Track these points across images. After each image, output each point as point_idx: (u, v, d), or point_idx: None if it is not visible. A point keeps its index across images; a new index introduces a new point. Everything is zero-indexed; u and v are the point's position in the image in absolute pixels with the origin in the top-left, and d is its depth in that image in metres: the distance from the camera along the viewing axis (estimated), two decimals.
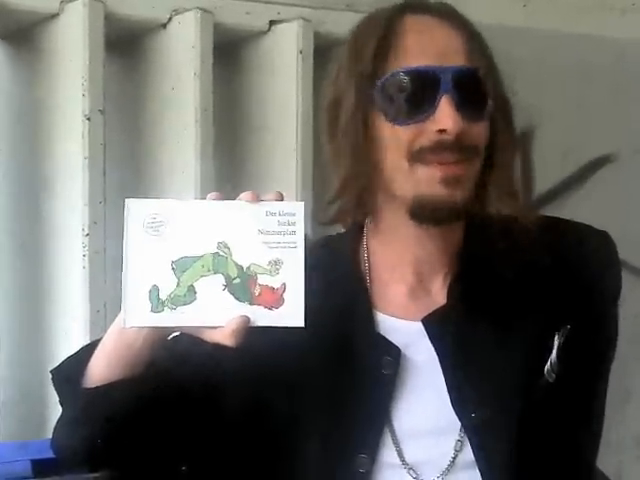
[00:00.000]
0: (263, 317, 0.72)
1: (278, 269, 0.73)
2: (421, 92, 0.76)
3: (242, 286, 0.72)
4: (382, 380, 0.79)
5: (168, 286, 0.73)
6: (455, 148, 0.77)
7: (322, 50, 1.62)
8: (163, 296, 0.73)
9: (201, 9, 1.49)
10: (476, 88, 0.77)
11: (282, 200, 0.75)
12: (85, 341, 1.40)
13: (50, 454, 0.84)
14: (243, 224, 0.74)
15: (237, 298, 0.73)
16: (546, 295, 0.81)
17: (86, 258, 1.41)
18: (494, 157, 0.80)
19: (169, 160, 1.52)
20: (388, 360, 0.79)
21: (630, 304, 1.46)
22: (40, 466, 0.88)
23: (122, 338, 0.78)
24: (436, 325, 0.80)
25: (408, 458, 0.79)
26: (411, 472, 0.79)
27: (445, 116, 0.75)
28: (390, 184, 0.79)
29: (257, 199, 0.74)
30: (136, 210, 0.75)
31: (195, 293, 0.73)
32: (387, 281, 0.84)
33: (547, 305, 0.81)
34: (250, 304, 0.72)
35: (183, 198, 0.74)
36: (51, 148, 1.47)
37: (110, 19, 1.44)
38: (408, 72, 0.76)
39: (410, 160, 0.77)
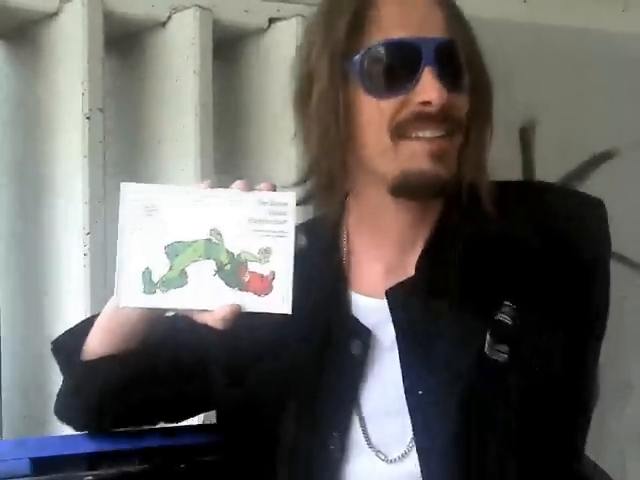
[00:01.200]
0: (252, 303, 0.74)
1: (268, 257, 0.75)
2: (403, 65, 0.75)
3: (232, 272, 0.74)
4: (351, 361, 0.79)
5: (161, 269, 0.75)
6: (438, 120, 0.76)
7: None
8: (155, 278, 0.75)
9: (200, 7, 1.49)
10: (457, 60, 0.77)
11: (275, 191, 0.76)
12: None
13: (50, 452, 0.84)
14: (235, 212, 0.75)
15: (227, 284, 0.74)
16: (505, 270, 0.77)
17: (86, 257, 1.41)
18: (471, 130, 0.79)
19: (169, 157, 1.52)
20: (357, 342, 0.79)
21: (631, 299, 1.45)
22: (39, 464, 0.88)
23: (116, 316, 0.82)
24: (398, 298, 0.79)
25: (374, 440, 0.79)
26: (379, 454, 0.78)
27: (429, 88, 0.75)
28: (370, 161, 0.79)
29: (250, 188, 0.76)
30: (131, 194, 0.77)
31: (187, 277, 0.75)
32: (364, 260, 0.83)
33: (503, 281, 0.77)
34: (240, 290, 0.74)
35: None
36: (51, 146, 1.47)
37: (109, 17, 1.44)
38: (389, 44, 0.75)
39: (393, 135, 0.76)
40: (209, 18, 1.50)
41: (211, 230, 0.75)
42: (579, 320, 0.78)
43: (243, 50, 1.62)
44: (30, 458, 0.87)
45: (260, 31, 1.58)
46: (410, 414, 0.76)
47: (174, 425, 0.95)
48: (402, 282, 0.80)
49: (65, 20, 1.43)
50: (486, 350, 0.75)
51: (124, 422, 0.89)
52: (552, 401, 0.76)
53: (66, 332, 0.91)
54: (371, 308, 0.81)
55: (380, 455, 0.79)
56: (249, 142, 1.62)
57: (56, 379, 1.46)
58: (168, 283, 0.75)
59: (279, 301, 0.74)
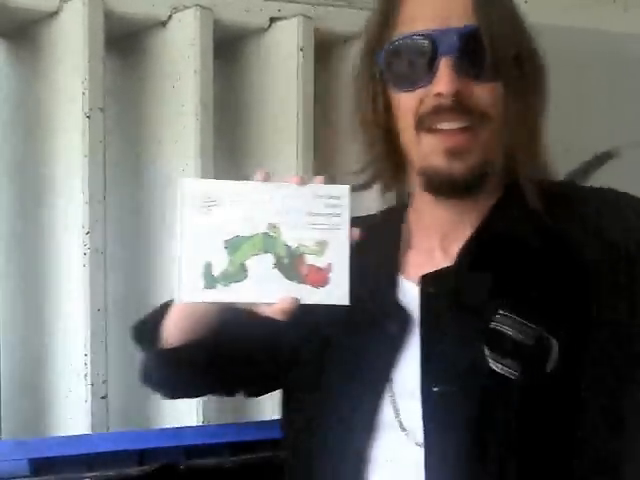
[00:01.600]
0: (310, 295, 0.75)
1: (324, 250, 0.76)
2: (420, 57, 0.76)
3: (291, 265, 0.75)
4: (387, 341, 0.80)
5: (220, 264, 0.76)
6: (455, 112, 0.75)
7: (322, 47, 1.62)
8: (216, 273, 0.76)
9: (201, 6, 1.48)
10: (480, 48, 0.74)
11: (329, 184, 0.77)
12: (85, 340, 1.41)
13: (49, 453, 0.84)
14: (292, 206, 0.76)
15: (286, 277, 0.76)
16: (541, 282, 0.75)
17: (86, 256, 1.41)
18: (512, 120, 0.77)
19: (169, 157, 1.51)
20: (394, 322, 0.80)
21: None
22: (38, 465, 0.87)
23: (183, 309, 0.84)
24: (428, 285, 0.79)
25: (404, 420, 0.78)
26: (408, 435, 0.78)
27: (441, 79, 0.74)
28: (407, 153, 0.81)
29: (305, 182, 0.76)
30: (190, 189, 0.78)
31: (246, 271, 0.76)
32: (414, 247, 0.84)
33: (538, 290, 0.75)
34: (298, 282, 0.75)
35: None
36: (51, 146, 1.47)
37: (110, 17, 1.44)
38: (406, 38, 0.76)
39: (417, 128, 0.77)
40: (210, 18, 1.50)
41: (268, 224, 0.76)
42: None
43: (244, 50, 1.62)
44: (29, 459, 0.87)
45: (261, 31, 1.58)
46: (422, 401, 0.76)
47: (173, 427, 0.94)
48: (437, 270, 0.80)
49: (65, 19, 1.43)
50: (488, 358, 0.74)
51: (208, 392, 0.97)
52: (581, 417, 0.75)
53: (143, 318, 0.95)
54: (412, 293, 0.81)
55: (410, 436, 0.77)
56: (249, 142, 1.62)
57: (54, 379, 1.47)
58: (228, 277, 0.76)
59: (337, 292, 0.75)
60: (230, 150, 1.61)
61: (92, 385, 1.40)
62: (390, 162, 0.82)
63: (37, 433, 1.44)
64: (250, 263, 0.76)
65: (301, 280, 0.75)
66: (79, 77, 1.40)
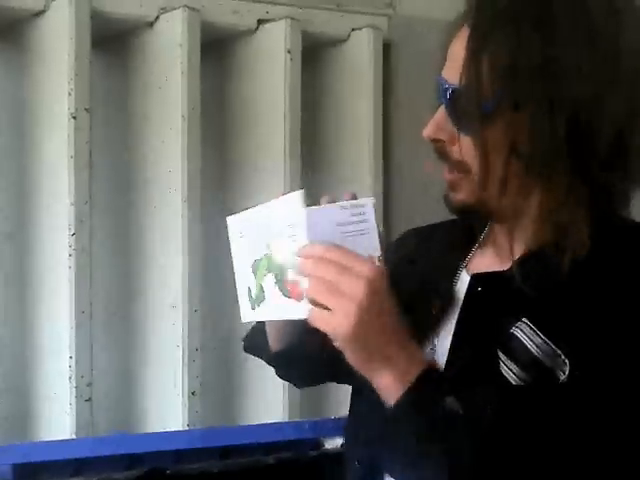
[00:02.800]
0: (295, 310, 0.77)
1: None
2: (436, 100, 0.81)
3: (281, 282, 0.79)
4: (431, 319, 0.84)
5: (253, 287, 0.83)
6: (443, 158, 0.80)
7: (310, 50, 1.62)
8: (252, 295, 0.83)
9: (188, 7, 1.48)
10: (455, 105, 0.77)
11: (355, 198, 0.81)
12: (70, 342, 1.40)
13: (33, 458, 0.83)
14: (287, 223, 0.79)
15: (283, 293, 0.79)
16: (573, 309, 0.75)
17: (72, 258, 1.40)
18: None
19: (156, 159, 1.51)
20: (439, 303, 0.84)
21: None
22: (21, 470, 0.86)
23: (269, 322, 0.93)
24: (478, 285, 0.83)
25: None
26: None
27: (428, 123, 0.80)
28: None
29: (333, 199, 0.81)
30: (230, 224, 0.85)
31: (264, 292, 0.81)
32: (488, 244, 0.87)
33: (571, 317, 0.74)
34: (288, 297, 0.78)
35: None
36: (36, 146, 1.46)
37: (96, 17, 1.43)
38: (435, 79, 0.81)
39: None
40: (197, 19, 1.49)
41: (266, 245, 0.79)
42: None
43: (231, 51, 1.61)
44: (12, 464, 0.86)
45: (248, 32, 1.58)
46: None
47: (160, 431, 0.94)
48: (488, 273, 0.83)
49: (51, 19, 1.42)
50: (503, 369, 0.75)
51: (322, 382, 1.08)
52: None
53: (251, 331, 1.01)
54: (465, 286, 0.84)
55: None
56: (237, 142, 1.61)
57: (38, 381, 1.46)
58: (257, 298, 0.82)
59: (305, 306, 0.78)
60: (217, 151, 1.60)
61: (76, 387, 1.39)
62: None
63: (20, 436, 1.42)
64: (264, 284, 0.81)
65: (288, 295, 0.78)
66: (65, 77, 1.39)
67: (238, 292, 0.84)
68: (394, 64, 1.68)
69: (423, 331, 0.83)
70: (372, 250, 0.76)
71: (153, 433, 0.93)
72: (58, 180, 1.41)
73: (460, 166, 0.79)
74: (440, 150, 0.80)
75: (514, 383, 0.73)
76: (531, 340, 0.74)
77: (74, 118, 1.39)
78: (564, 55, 0.73)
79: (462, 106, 0.77)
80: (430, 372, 0.74)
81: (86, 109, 1.41)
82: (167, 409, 1.47)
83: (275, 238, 0.78)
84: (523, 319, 0.75)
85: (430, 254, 0.89)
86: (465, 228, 0.89)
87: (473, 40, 0.76)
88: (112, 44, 1.55)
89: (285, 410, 1.50)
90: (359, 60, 1.63)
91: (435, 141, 0.80)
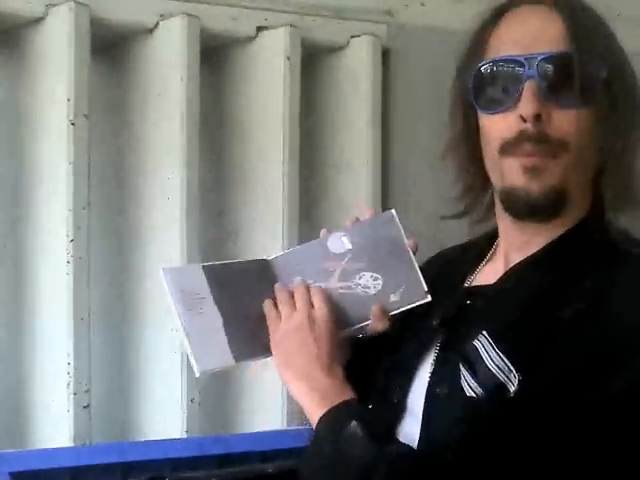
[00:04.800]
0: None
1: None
2: (507, 81, 0.77)
3: None
4: (427, 332, 0.84)
5: None
6: (536, 140, 0.76)
7: (309, 57, 1.62)
8: None
9: (188, 14, 1.48)
10: (567, 74, 0.75)
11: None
12: (68, 349, 1.39)
13: (29, 466, 0.83)
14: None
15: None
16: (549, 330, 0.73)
17: (70, 264, 1.40)
18: (601, 151, 0.78)
19: (155, 165, 1.50)
20: (437, 317, 0.85)
21: None
22: (19, 478, 0.86)
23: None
24: (467, 298, 0.84)
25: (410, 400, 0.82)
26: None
27: (525, 102, 0.75)
28: (490, 175, 0.82)
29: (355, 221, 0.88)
30: None
31: None
32: (490, 262, 0.88)
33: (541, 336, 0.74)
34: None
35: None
36: (35, 153, 1.46)
37: (96, 23, 1.43)
38: (494, 62, 0.78)
39: (500, 152, 0.79)
40: (197, 26, 1.49)
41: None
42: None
43: (230, 58, 1.61)
44: (10, 472, 0.85)
45: (248, 39, 1.58)
46: (424, 407, 0.79)
47: (158, 439, 0.93)
48: (476, 286, 0.85)
49: (51, 25, 1.42)
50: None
51: None
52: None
53: None
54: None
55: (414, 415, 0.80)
56: (235, 149, 1.61)
57: (36, 388, 1.45)
58: None
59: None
60: (216, 158, 1.60)
61: (75, 394, 1.38)
62: (484, 190, 0.86)
63: (17, 444, 1.41)
64: None
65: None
66: (64, 84, 1.39)
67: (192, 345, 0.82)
68: (392, 71, 1.68)
69: (424, 343, 0.83)
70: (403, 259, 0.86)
71: (150, 441, 0.93)
72: (56, 186, 1.41)
73: (559, 144, 0.75)
74: (539, 130, 0.75)
75: (468, 395, 0.74)
76: (487, 353, 0.75)
77: (73, 125, 1.39)
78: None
79: (578, 72, 0.74)
80: (349, 402, 0.79)
81: (85, 115, 1.41)
82: (166, 416, 1.46)
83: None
84: (483, 332, 0.75)
85: (444, 272, 0.90)
86: (479, 245, 0.89)
87: (575, 12, 0.77)
88: (111, 51, 1.55)
89: (284, 418, 1.50)
90: (358, 67, 1.63)
91: (537, 118, 0.75)
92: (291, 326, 0.84)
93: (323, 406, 0.79)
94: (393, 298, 0.85)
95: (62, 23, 1.40)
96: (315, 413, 0.79)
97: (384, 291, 0.86)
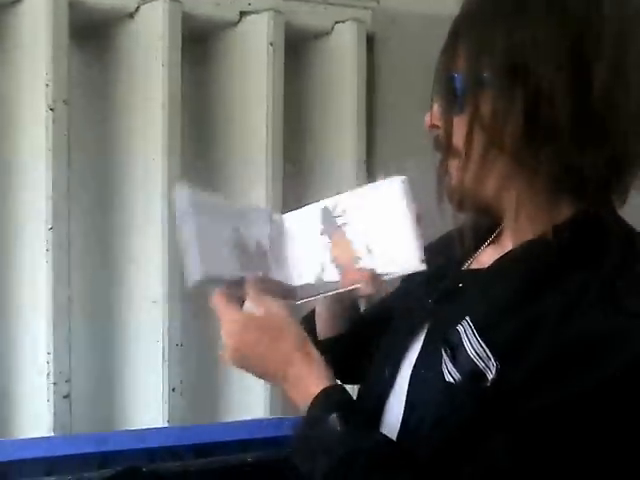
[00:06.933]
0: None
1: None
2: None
3: None
4: (418, 313, 0.85)
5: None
6: (438, 147, 0.80)
7: (293, 42, 1.60)
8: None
9: None
10: (435, 86, 0.78)
11: None
12: (48, 338, 1.38)
13: (4, 456, 0.81)
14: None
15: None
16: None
17: (49, 252, 1.38)
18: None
19: (136, 152, 1.48)
20: (431, 299, 0.85)
21: None
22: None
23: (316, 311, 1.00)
24: (459, 281, 0.83)
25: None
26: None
27: None
28: None
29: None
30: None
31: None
32: (492, 244, 0.87)
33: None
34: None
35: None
36: (14, 139, 1.43)
37: (75, 7, 1.40)
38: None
39: None
40: (178, 10, 1.47)
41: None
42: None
43: (213, 43, 1.59)
44: None
45: (231, 24, 1.56)
46: (407, 389, 0.78)
47: (135, 429, 0.92)
48: (468, 270, 0.85)
49: (29, 9, 1.39)
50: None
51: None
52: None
53: (305, 316, 1.04)
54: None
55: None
56: (218, 136, 1.59)
57: (15, 378, 1.43)
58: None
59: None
60: (198, 144, 1.58)
61: (55, 384, 1.37)
62: None
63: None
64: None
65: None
66: (42, 69, 1.37)
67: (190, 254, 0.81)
68: (377, 57, 1.66)
69: (418, 322, 0.83)
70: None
71: (127, 431, 0.92)
72: (35, 174, 1.39)
73: (449, 150, 0.78)
74: (436, 139, 0.79)
75: (448, 380, 0.73)
76: (468, 339, 0.74)
77: (52, 110, 1.37)
78: (527, 32, 0.71)
79: (439, 87, 0.77)
80: (328, 390, 0.78)
81: (64, 101, 1.38)
82: (148, 406, 1.45)
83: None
84: (466, 317, 0.75)
85: (449, 251, 0.88)
86: (481, 228, 0.88)
87: (453, 24, 0.77)
88: (91, 35, 1.52)
89: (267, 407, 1.49)
90: (342, 53, 1.62)
91: (433, 128, 0.79)
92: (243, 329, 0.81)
93: (303, 398, 0.78)
94: (386, 264, 0.85)
95: (40, 6, 1.37)
96: (299, 404, 0.79)
97: (378, 256, 0.85)
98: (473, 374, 0.72)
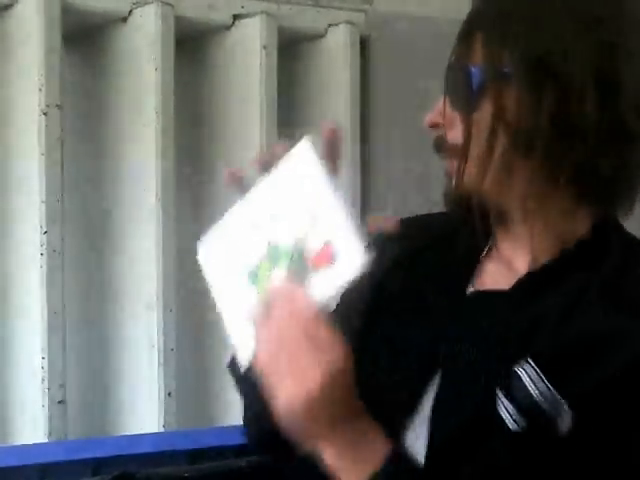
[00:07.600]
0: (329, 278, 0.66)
1: (316, 227, 0.67)
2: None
3: (300, 261, 0.67)
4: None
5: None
6: (440, 146, 0.74)
7: (286, 45, 1.60)
8: None
9: (162, 2, 1.45)
10: (447, 82, 0.72)
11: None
12: (42, 343, 1.37)
13: (8, 462, 0.81)
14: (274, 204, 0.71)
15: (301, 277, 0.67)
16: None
17: (44, 257, 1.37)
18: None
19: (129, 156, 1.48)
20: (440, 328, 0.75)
21: None
22: None
23: None
24: (474, 304, 0.75)
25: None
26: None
27: None
28: None
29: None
30: (207, 248, 0.73)
31: None
32: (489, 257, 0.78)
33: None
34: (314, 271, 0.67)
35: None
36: (7, 144, 1.43)
37: (68, 10, 1.40)
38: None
39: None
40: (171, 14, 1.47)
41: (265, 241, 0.69)
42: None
43: (206, 47, 1.59)
44: None
45: (224, 28, 1.56)
46: (431, 416, 0.70)
47: (129, 434, 0.92)
48: (490, 290, 0.75)
49: (22, 12, 1.39)
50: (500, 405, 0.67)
51: None
52: None
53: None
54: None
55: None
56: (211, 139, 1.59)
57: (9, 383, 1.43)
58: None
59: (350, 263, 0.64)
60: (191, 148, 1.58)
61: (49, 389, 1.36)
62: None
63: None
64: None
65: (313, 268, 0.65)
66: (35, 72, 1.37)
67: (231, 333, 0.68)
68: (371, 60, 1.67)
69: (429, 354, 0.72)
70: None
71: (121, 436, 0.91)
72: (29, 178, 1.39)
73: (455, 151, 0.71)
74: (437, 138, 0.73)
75: (510, 426, 0.65)
76: (535, 384, 0.66)
77: (45, 114, 1.37)
78: (554, 26, 0.67)
79: (453, 82, 0.71)
80: (394, 458, 0.66)
81: (57, 105, 1.38)
82: (143, 410, 1.45)
83: (277, 221, 0.68)
84: (528, 359, 0.66)
85: (430, 266, 0.77)
86: (469, 238, 0.77)
87: (467, 19, 0.72)
88: (84, 39, 1.52)
89: None
90: (336, 56, 1.62)
91: (434, 126, 0.72)
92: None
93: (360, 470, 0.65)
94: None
95: (33, 10, 1.37)
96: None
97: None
98: (543, 420, 0.65)
